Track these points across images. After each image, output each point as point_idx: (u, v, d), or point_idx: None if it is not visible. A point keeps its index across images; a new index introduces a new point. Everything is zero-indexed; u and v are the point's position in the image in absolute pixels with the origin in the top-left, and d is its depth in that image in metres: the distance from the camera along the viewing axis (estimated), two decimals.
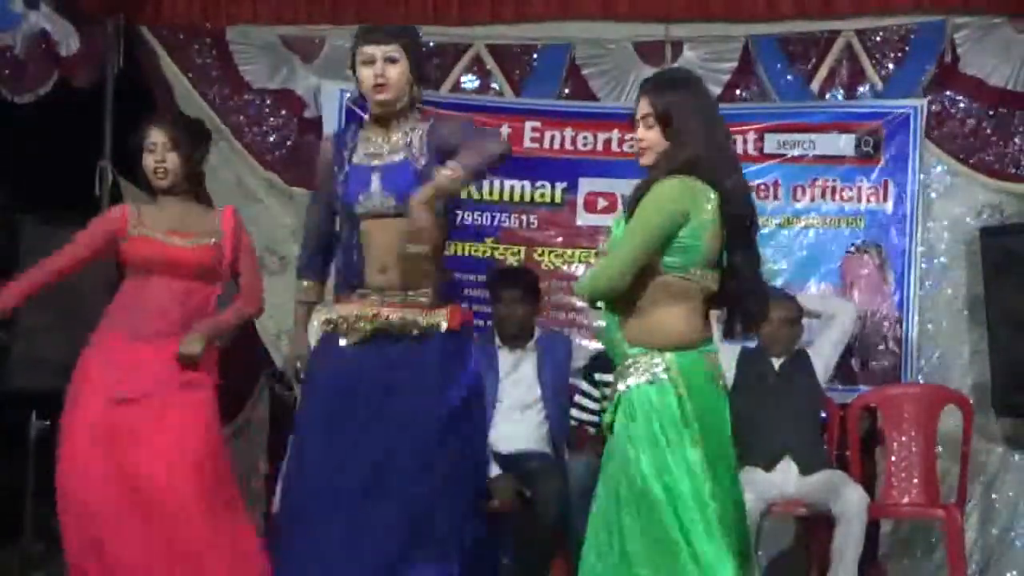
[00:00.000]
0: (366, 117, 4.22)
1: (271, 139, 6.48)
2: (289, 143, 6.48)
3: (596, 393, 5.78)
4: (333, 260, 4.25)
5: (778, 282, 6.00)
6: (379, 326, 3.99)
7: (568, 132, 6.35)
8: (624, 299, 3.48)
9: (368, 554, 3.86)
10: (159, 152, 4.57)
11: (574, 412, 5.80)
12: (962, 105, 6.19)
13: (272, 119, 6.48)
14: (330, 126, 6.28)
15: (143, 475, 4.36)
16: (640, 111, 3.61)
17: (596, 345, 6.16)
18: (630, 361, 3.48)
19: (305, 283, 4.28)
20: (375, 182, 4.00)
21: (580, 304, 6.16)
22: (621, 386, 3.49)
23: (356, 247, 4.03)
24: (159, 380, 4.46)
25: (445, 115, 4.23)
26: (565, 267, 6.28)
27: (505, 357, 5.60)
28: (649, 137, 3.58)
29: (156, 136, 4.59)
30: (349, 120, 6.27)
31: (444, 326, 4.02)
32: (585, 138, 6.34)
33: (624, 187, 6.22)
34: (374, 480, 3.90)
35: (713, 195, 3.47)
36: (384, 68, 3.98)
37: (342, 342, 4.02)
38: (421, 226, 3.75)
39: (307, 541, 3.89)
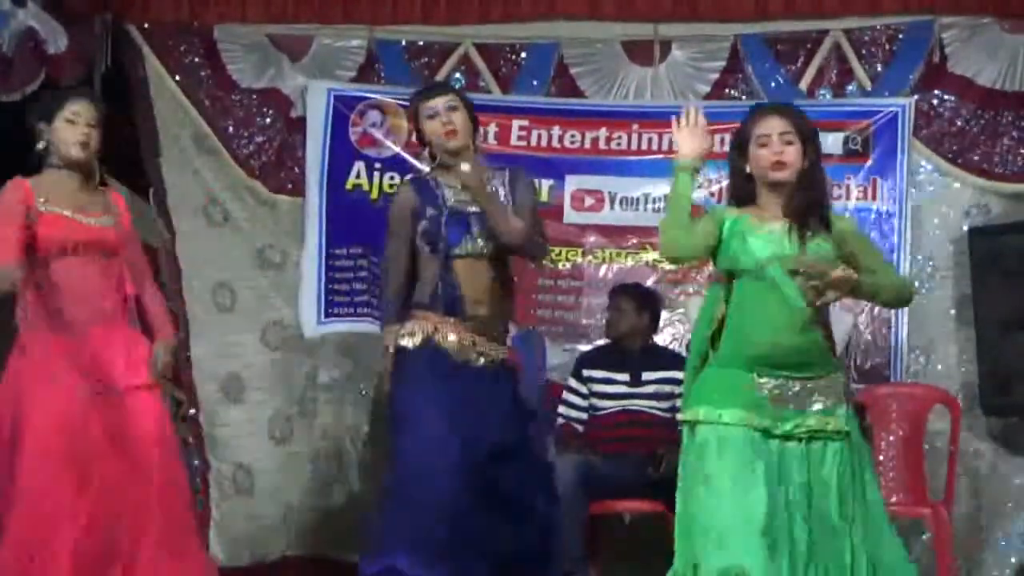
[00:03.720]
0: (427, 169, 4.64)
1: (257, 141, 6.45)
2: (275, 145, 6.46)
3: (584, 390, 5.79)
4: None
5: None
6: (477, 354, 4.41)
7: (555, 130, 6.35)
8: None
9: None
10: (83, 125, 4.40)
11: (561, 410, 5.82)
12: (950, 104, 6.19)
13: (259, 119, 6.45)
14: (315, 125, 6.30)
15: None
16: (778, 128, 3.80)
17: (585, 345, 6.19)
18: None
19: (395, 327, 4.49)
20: (475, 227, 4.40)
21: (566, 302, 6.19)
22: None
23: (455, 284, 4.39)
24: (117, 370, 4.39)
25: (520, 169, 4.69)
26: (551, 264, 6.28)
27: None
28: (791, 152, 3.78)
29: (82, 109, 4.42)
30: (336, 119, 6.31)
31: (506, 357, 4.52)
32: (572, 136, 6.34)
33: (611, 185, 6.32)
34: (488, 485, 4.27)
35: None
36: (449, 116, 4.41)
37: (450, 356, 4.38)
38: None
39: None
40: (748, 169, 3.83)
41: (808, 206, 3.77)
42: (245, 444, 6.37)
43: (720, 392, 3.72)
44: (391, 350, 4.43)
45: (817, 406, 3.72)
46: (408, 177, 4.83)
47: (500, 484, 4.28)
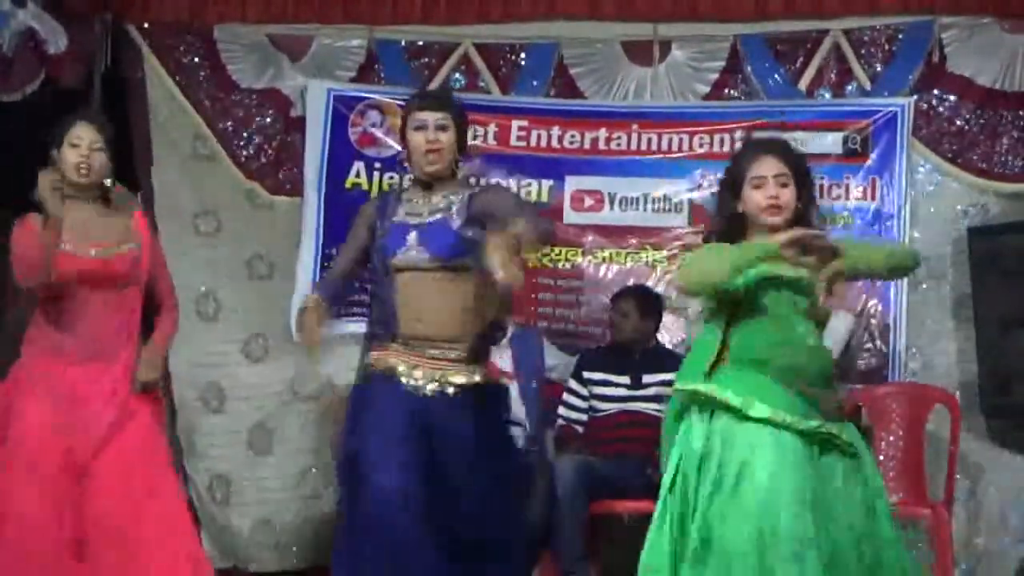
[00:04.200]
0: (406, 180, 4.48)
1: (256, 141, 6.46)
2: (275, 144, 6.47)
3: (584, 392, 5.79)
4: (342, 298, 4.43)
5: None
6: (427, 380, 4.10)
7: (555, 131, 6.36)
8: None
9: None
10: (84, 149, 4.40)
11: (562, 411, 5.81)
12: (949, 104, 6.20)
13: (258, 119, 6.47)
14: (315, 125, 6.32)
15: (98, 514, 4.28)
16: (773, 169, 3.70)
17: (585, 345, 6.19)
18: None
19: (313, 295, 4.28)
20: (412, 238, 4.15)
21: (566, 302, 6.20)
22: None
23: (391, 300, 4.15)
24: (104, 410, 4.35)
25: (491, 185, 4.53)
26: (551, 264, 6.28)
27: None
28: (786, 195, 3.69)
29: (86, 133, 4.42)
30: (335, 119, 6.33)
31: (476, 379, 4.16)
32: (572, 136, 6.35)
33: (611, 185, 6.32)
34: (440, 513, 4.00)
35: None
36: (436, 134, 4.17)
37: (401, 381, 4.10)
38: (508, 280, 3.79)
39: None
40: (740, 208, 3.73)
41: (803, 253, 3.65)
42: (223, 454, 6.35)
43: (755, 386, 3.55)
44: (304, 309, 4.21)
45: (831, 415, 3.64)
46: (379, 193, 4.61)
47: (457, 527, 4.02)
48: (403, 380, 4.09)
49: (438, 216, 4.18)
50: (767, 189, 3.68)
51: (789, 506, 3.43)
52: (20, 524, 4.24)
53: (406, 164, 4.41)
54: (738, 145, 6.13)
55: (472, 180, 4.83)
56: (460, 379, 4.12)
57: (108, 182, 4.50)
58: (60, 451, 4.28)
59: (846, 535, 3.54)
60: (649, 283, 6.14)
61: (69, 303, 4.39)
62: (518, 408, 5.65)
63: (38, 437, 4.29)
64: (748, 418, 3.52)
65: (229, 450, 6.37)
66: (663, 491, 3.67)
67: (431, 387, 4.09)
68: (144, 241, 4.53)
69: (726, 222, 3.77)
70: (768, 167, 3.70)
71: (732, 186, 3.75)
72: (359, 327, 5.43)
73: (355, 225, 4.33)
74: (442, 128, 4.18)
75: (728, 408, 3.55)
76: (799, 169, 3.74)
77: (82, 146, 4.41)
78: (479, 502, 4.05)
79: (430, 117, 4.19)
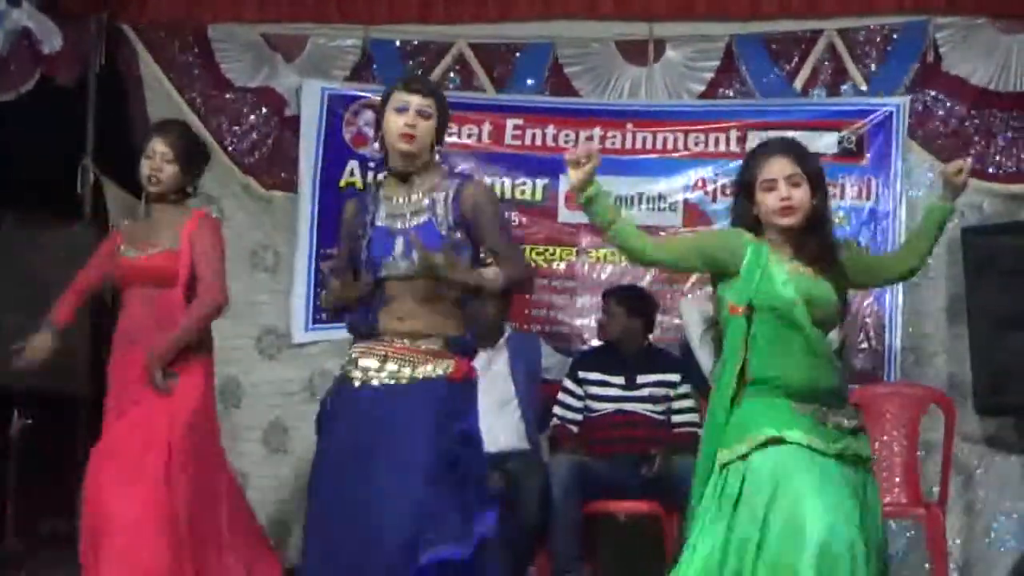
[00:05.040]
0: (382, 177, 4.29)
1: (251, 139, 6.46)
2: (269, 143, 6.47)
3: (579, 392, 5.79)
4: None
5: None
6: (386, 369, 3.93)
7: (550, 129, 6.36)
8: None
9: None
10: (157, 161, 4.69)
11: (557, 411, 5.82)
12: (944, 104, 6.19)
13: (253, 117, 6.47)
14: (310, 124, 6.32)
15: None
16: (784, 170, 3.67)
17: (579, 345, 6.20)
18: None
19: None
20: (399, 246, 3.95)
21: (560, 302, 6.20)
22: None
23: (376, 304, 3.98)
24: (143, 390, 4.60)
25: (476, 184, 4.15)
26: (546, 264, 6.28)
27: (478, 357, 5.60)
28: (798, 196, 3.66)
29: (158, 146, 4.71)
30: (330, 119, 6.33)
31: (439, 373, 3.93)
32: (567, 135, 6.34)
33: (605, 184, 6.19)
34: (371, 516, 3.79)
35: None
36: (416, 119, 3.95)
37: (355, 383, 3.95)
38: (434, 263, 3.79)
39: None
40: (754, 212, 3.70)
41: (820, 251, 3.68)
42: (238, 450, 6.33)
43: (776, 418, 3.54)
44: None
45: (855, 430, 3.64)
46: (355, 200, 4.45)
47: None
48: (357, 378, 3.93)
49: (423, 219, 3.97)
50: (779, 191, 3.65)
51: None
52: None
53: (380, 152, 4.14)
54: (733, 145, 6.18)
55: (448, 168, 4.64)
56: (426, 369, 3.92)
57: (190, 189, 4.84)
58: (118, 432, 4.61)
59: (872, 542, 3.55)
60: (643, 283, 6.13)
61: (124, 300, 4.75)
62: (513, 409, 5.67)
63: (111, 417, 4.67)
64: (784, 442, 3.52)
65: (245, 446, 6.33)
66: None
67: (386, 378, 3.91)
68: (183, 242, 4.68)
69: (742, 226, 3.75)
70: (778, 168, 3.66)
71: (745, 190, 3.73)
72: None
73: (340, 236, 4.17)
74: (423, 115, 3.96)
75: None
76: (811, 168, 3.71)
77: (155, 157, 4.70)
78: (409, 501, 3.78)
79: (413, 100, 3.95)
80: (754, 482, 3.49)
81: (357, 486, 3.81)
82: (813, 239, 3.69)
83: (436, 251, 3.83)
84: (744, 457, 3.53)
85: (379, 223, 4.00)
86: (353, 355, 4.00)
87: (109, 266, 4.81)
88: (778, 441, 3.50)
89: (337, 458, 3.90)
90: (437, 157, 4.10)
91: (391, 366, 3.93)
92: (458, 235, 3.94)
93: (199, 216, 4.82)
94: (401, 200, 4.01)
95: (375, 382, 3.92)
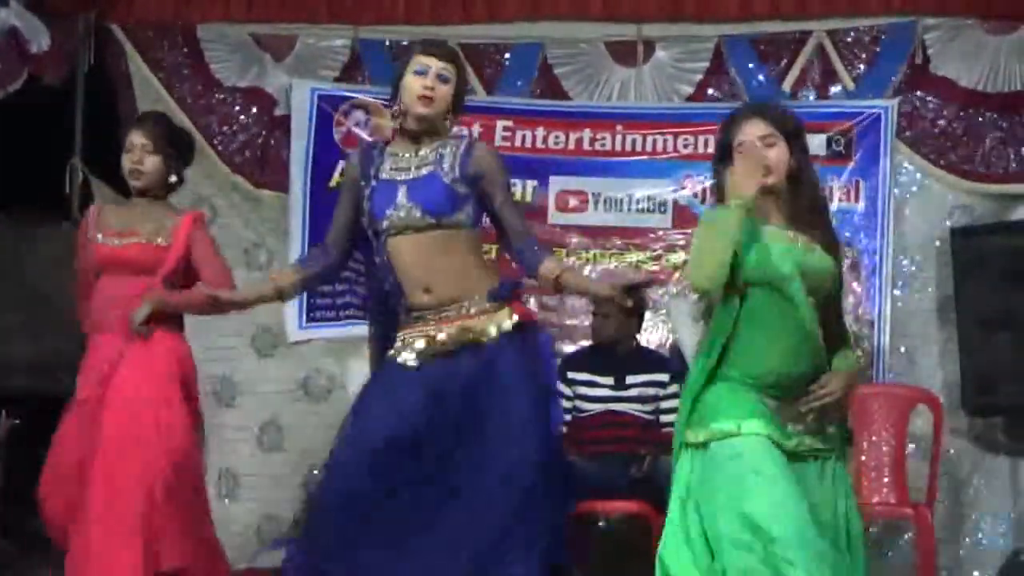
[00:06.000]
0: (389, 135, 4.20)
1: (240, 139, 6.46)
2: (259, 142, 6.46)
3: (568, 392, 5.77)
4: (325, 269, 4.19)
5: None
6: (439, 348, 3.89)
7: (539, 131, 6.37)
8: None
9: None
10: (137, 154, 4.61)
11: None
12: (933, 106, 6.21)
13: (242, 117, 6.47)
14: (300, 124, 6.33)
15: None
16: (757, 131, 3.60)
17: (569, 345, 6.19)
18: None
19: (280, 271, 4.26)
20: (401, 195, 3.93)
21: (551, 303, 6.20)
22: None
23: (387, 271, 3.95)
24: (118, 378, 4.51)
25: (484, 143, 4.18)
26: None
27: None
28: (774, 155, 3.59)
29: (136, 138, 4.63)
30: (320, 119, 6.32)
31: (507, 326, 3.91)
32: (556, 137, 6.35)
33: (595, 186, 6.33)
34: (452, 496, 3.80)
35: None
36: (436, 82, 3.94)
37: (409, 363, 3.91)
38: None
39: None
40: None
41: (807, 211, 3.62)
42: (233, 449, 6.33)
43: (737, 407, 3.50)
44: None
45: (815, 426, 3.59)
46: (358, 147, 4.40)
47: (447, 470, 3.80)
48: (415, 359, 3.88)
49: (428, 169, 3.95)
50: None
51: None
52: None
53: (392, 118, 4.10)
54: None
55: (460, 132, 4.61)
56: (491, 329, 3.89)
57: (173, 179, 4.71)
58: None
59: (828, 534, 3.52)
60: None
61: (98, 292, 4.61)
62: None
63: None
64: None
65: (239, 445, 6.34)
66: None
67: (447, 344, 3.87)
68: (177, 239, 4.60)
69: (723, 192, 3.65)
70: (751, 130, 3.60)
71: (724, 156, 3.66)
72: (355, 331, 5.47)
73: (341, 192, 4.13)
74: (443, 79, 3.95)
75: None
76: (787, 126, 3.63)
77: (135, 151, 4.62)
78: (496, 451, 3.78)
79: (434, 64, 3.95)
80: (706, 474, 3.48)
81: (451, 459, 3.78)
82: (801, 200, 3.63)
83: (439, 201, 3.88)
84: (702, 446, 3.51)
85: (383, 176, 3.98)
86: (402, 341, 3.94)
87: (84, 254, 4.71)
88: (736, 435, 3.46)
89: (408, 433, 3.81)
90: (452, 128, 4.07)
91: (451, 333, 3.88)
92: (462, 189, 3.92)
93: (192, 218, 4.72)
94: (408, 155, 4.00)
95: (431, 358, 3.88)
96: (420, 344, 3.91)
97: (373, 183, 3.97)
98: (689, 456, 3.57)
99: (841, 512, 3.58)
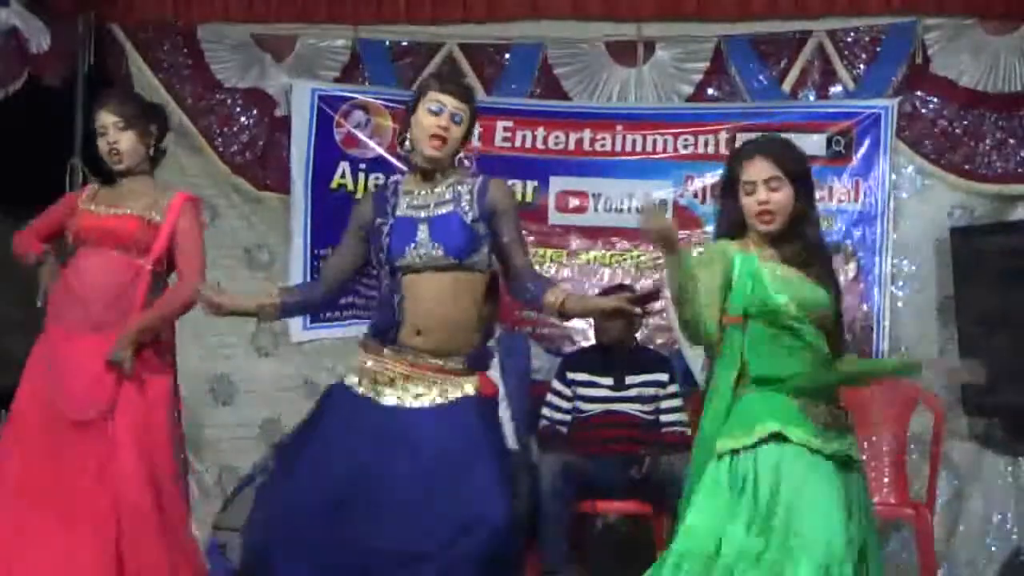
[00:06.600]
0: (396, 176, 4.21)
1: (241, 139, 6.47)
2: (260, 143, 6.47)
3: (568, 392, 5.78)
4: (323, 299, 4.20)
5: None
6: (411, 387, 3.90)
7: (540, 131, 6.37)
8: None
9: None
10: (111, 134, 4.46)
11: (546, 411, 5.80)
12: (933, 106, 6.22)
13: (243, 118, 6.47)
14: (300, 125, 6.32)
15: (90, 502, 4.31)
16: (764, 173, 3.61)
17: (569, 347, 6.19)
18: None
19: (276, 289, 4.17)
20: (422, 233, 3.90)
21: None
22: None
23: (396, 306, 3.91)
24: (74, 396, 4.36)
25: (496, 180, 4.08)
26: (536, 266, 6.25)
27: None
28: (777, 199, 3.60)
29: (105, 118, 4.47)
30: (320, 120, 6.32)
31: (470, 391, 3.94)
32: (557, 137, 6.35)
33: (595, 186, 6.32)
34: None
35: None
36: (449, 123, 3.92)
37: (371, 394, 3.92)
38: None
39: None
40: (741, 209, 3.66)
41: (803, 254, 3.63)
42: (233, 447, 6.32)
43: (772, 410, 3.51)
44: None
45: (846, 431, 3.63)
46: (375, 186, 4.30)
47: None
48: (375, 394, 3.90)
49: (447, 208, 3.94)
50: (757, 195, 3.60)
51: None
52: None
53: (400, 146, 4.10)
54: (722, 147, 6.19)
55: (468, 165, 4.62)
56: (456, 392, 3.91)
57: (153, 151, 4.57)
58: (44, 420, 4.34)
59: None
60: (637, 286, 6.12)
61: (73, 269, 4.45)
62: (502, 410, 5.66)
63: (24, 410, 4.39)
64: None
65: (240, 443, 6.30)
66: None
67: (419, 402, 3.90)
68: (169, 217, 4.48)
69: (728, 225, 3.70)
70: (757, 171, 3.61)
71: (730, 190, 3.68)
72: (359, 331, 5.45)
73: (347, 231, 4.09)
74: (456, 121, 3.93)
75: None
76: (794, 169, 3.63)
77: (108, 132, 4.47)
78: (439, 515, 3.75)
79: (450, 104, 3.92)
80: (763, 476, 3.46)
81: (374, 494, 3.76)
82: (796, 243, 3.64)
83: (463, 241, 3.86)
84: (751, 448, 3.49)
85: (399, 213, 3.96)
86: (367, 364, 3.95)
87: (69, 219, 4.55)
88: (782, 437, 3.47)
89: (344, 460, 3.82)
90: (464, 163, 4.08)
91: (415, 388, 3.90)
92: (481, 229, 3.94)
93: (185, 199, 4.58)
94: (423, 192, 3.98)
95: (389, 400, 3.90)
96: (387, 382, 3.92)
97: (391, 220, 3.94)
98: (730, 461, 3.53)
99: (868, 521, 3.61)
